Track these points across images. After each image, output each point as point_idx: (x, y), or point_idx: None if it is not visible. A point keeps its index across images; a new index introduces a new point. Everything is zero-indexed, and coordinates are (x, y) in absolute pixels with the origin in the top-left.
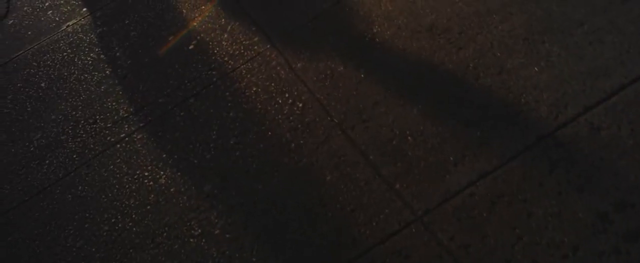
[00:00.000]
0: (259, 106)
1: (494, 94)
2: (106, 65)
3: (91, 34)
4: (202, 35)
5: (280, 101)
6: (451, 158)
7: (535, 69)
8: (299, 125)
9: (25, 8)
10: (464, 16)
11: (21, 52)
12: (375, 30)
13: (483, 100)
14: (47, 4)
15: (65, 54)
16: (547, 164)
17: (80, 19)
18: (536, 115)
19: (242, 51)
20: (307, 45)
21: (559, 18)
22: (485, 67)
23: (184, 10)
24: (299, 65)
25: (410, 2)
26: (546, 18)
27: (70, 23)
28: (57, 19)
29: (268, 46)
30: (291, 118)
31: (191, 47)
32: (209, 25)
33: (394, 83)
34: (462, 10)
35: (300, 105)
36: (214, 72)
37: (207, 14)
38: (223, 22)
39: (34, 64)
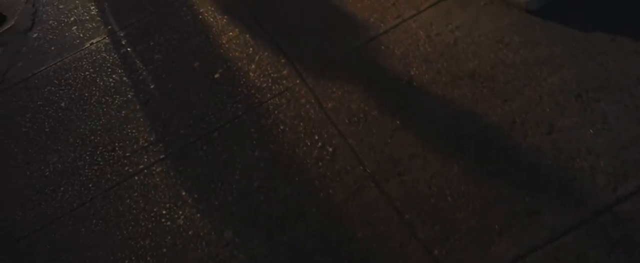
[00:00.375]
0: (286, 147)
1: (543, 155)
2: (128, 88)
3: (114, 54)
4: (228, 63)
5: (309, 143)
6: (496, 226)
7: (590, 131)
8: (329, 172)
9: (50, 22)
10: (510, 64)
11: (43, 68)
12: (412, 73)
13: (531, 161)
14: (72, 19)
15: (87, 73)
16: (605, 244)
17: (105, 37)
18: (592, 184)
19: (270, 84)
20: (339, 83)
21: (616, 74)
22: (534, 124)
23: (211, 36)
24: (330, 104)
25: (451, 45)
26: (601, 73)
27: (94, 41)
28: (81, 35)
29: (298, 81)
30: (320, 163)
31: (217, 75)
32: (236, 53)
33: (433, 133)
34: (507, 58)
35: (331, 149)
36: (239, 105)
37: (234, 41)
38: (251, 51)
39: (56, 81)
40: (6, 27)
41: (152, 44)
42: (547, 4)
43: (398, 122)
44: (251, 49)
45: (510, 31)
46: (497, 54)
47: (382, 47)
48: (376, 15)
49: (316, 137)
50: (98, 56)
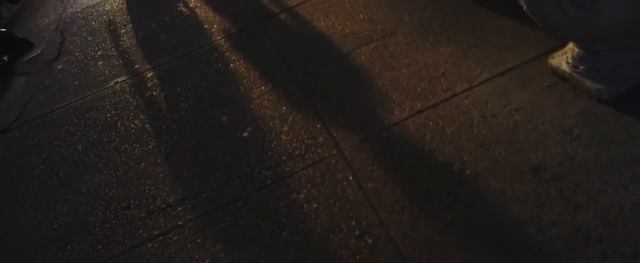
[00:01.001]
0: (319, 230)
1: None
2: (150, 138)
3: (139, 97)
4: (258, 121)
5: (345, 229)
6: None
7: None
8: None
9: (76, 54)
10: (580, 162)
11: (64, 104)
12: (465, 159)
13: None
14: (99, 53)
15: (108, 115)
16: None
17: (130, 77)
18: None
19: (303, 152)
20: (381, 161)
21: None
22: (614, 243)
23: (242, 88)
24: (370, 185)
25: (510, 130)
26: None
27: (119, 79)
28: (106, 72)
29: (334, 152)
30: (358, 256)
31: (245, 134)
32: (268, 111)
33: (489, 238)
34: (577, 154)
35: (370, 241)
36: (268, 172)
37: (267, 96)
38: (284, 110)
39: (75, 120)
40: (32, 55)
41: (179, 90)
42: (622, 93)
43: (449, 218)
44: (284, 107)
45: (580, 121)
46: (564, 147)
47: (431, 123)
48: (423, 85)
49: (353, 223)
50: (121, 97)
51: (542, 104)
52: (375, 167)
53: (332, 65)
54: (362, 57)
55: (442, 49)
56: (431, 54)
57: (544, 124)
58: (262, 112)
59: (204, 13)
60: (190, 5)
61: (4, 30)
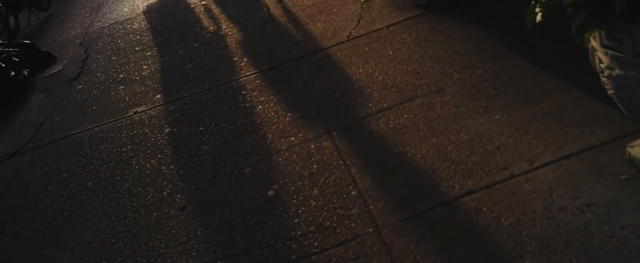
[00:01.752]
0: None
1: None
2: (165, 183)
3: (157, 133)
4: (286, 179)
5: None
6: None
7: None
8: None
9: (98, 74)
10: None
11: (79, 131)
12: (527, 262)
13: None
14: (121, 76)
15: (124, 149)
16: None
17: (151, 108)
18: None
19: (335, 224)
20: (426, 249)
21: None
22: None
23: (270, 136)
24: None
25: (581, 232)
26: None
27: (139, 109)
28: (126, 98)
29: (370, 230)
30: None
31: (270, 192)
32: (297, 167)
33: None
34: None
35: None
36: (293, 245)
37: (297, 150)
38: (315, 169)
39: (88, 151)
40: (54, 71)
41: (201, 129)
42: None
43: None
44: (315, 166)
45: None
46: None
47: (484, 209)
48: (475, 159)
49: None
50: (140, 130)
51: (621, 203)
52: (418, 257)
53: (370, 121)
54: (405, 116)
55: (496, 117)
56: (484, 121)
57: (625, 230)
58: (289, 168)
59: (235, 43)
60: (221, 32)
61: (27, 42)
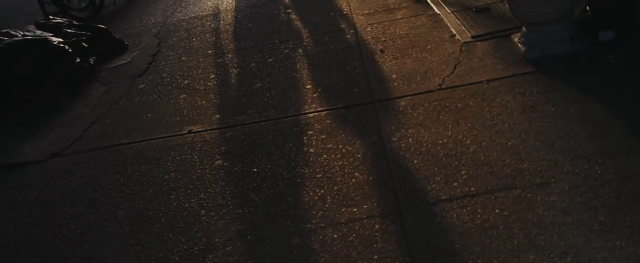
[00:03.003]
0: None
1: None
2: (200, 235)
3: (207, 164)
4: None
5: None
6: None
7: None
8: None
9: (164, 74)
10: None
11: (127, 141)
12: None
13: None
14: (185, 82)
15: (167, 177)
16: None
17: (207, 129)
18: None
19: None
20: None
21: None
22: None
23: (329, 198)
24: None
25: None
26: None
27: (194, 128)
28: (184, 112)
29: None
30: None
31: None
32: (354, 253)
33: None
34: None
35: None
36: None
37: (358, 227)
38: (376, 258)
39: (129, 171)
40: (121, 62)
41: (254, 170)
42: None
43: None
44: (376, 256)
45: None
46: None
47: None
48: None
49: None
50: (188, 156)
51: None
52: None
53: (452, 208)
54: (496, 210)
55: (618, 243)
56: (600, 245)
57: None
58: (345, 251)
59: (312, 67)
60: (300, 51)
61: (102, 27)
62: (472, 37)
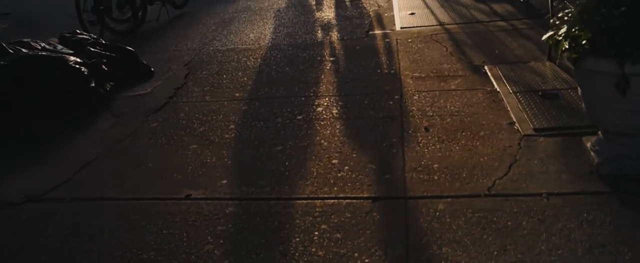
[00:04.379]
0: None
1: None
2: None
3: (194, 248)
4: None
5: None
6: None
7: None
8: None
9: (181, 114)
10: None
11: (115, 196)
12: None
13: None
14: (201, 130)
15: (144, 256)
16: None
17: (208, 198)
18: None
19: None
20: None
21: None
22: None
23: None
24: None
25: None
26: None
27: (194, 194)
28: (189, 168)
29: None
30: None
31: None
32: None
33: None
34: None
35: None
36: None
37: None
38: None
39: (106, 236)
40: (140, 92)
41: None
42: None
43: None
44: None
45: None
46: None
47: None
48: None
49: None
50: (177, 231)
51: None
52: None
53: None
54: None
55: None
56: None
57: None
58: None
59: (344, 135)
60: (334, 111)
61: (129, 49)
62: (535, 129)
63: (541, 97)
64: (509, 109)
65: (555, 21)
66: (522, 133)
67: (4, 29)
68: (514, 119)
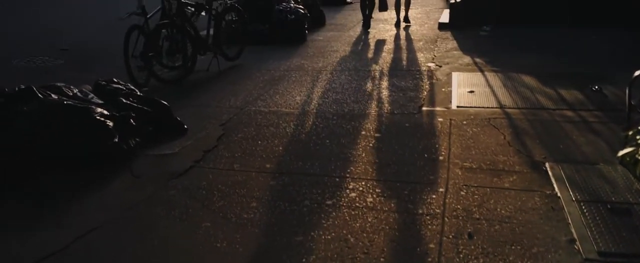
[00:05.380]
0: None
1: None
2: None
3: None
4: None
5: None
6: None
7: None
8: None
9: (203, 183)
10: None
11: None
12: None
13: None
14: (218, 205)
15: None
16: None
17: None
18: None
19: None
20: None
21: None
22: None
23: None
24: None
25: None
26: None
27: None
28: (194, 258)
29: None
30: None
31: None
32: None
33: None
34: None
35: None
36: None
37: None
38: None
39: None
40: (166, 152)
41: None
42: None
43: None
44: None
45: None
46: None
47: None
48: None
49: None
50: None
51: None
52: None
53: None
54: None
55: None
56: None
57: None
58: None
59: (372, 232)
60: (369, 199)
61: (164, 103)
62: (599, 253)
63: (610, 211)
64: (569, 221)
65: (635, 135)
66: (583, 257)
67: (58, 65)
68: (575, 236)
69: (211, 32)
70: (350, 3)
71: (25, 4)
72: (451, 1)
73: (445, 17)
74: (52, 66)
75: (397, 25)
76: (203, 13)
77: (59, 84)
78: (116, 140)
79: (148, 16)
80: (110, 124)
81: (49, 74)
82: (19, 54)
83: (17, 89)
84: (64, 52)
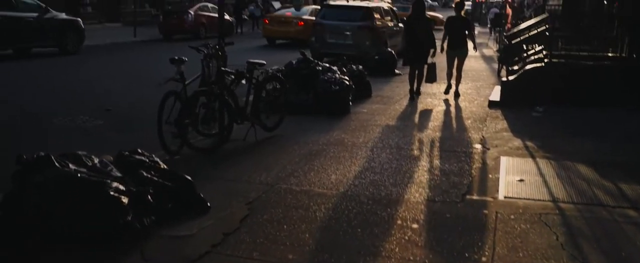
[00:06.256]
0: None
1: None
2: None
3: None
4: None
5: None
6: None
7: None
8: None
9: (242, 246)
10: None
11: None
12: None
13: None
14: None
15: None
16: None
17: None
18: None
19: None
20: None
21: None
22: None
23: None
24: None
25: None
26: None
27: None
28: None
29: None
30: None
31: None
32: None
33: None
34: None
35: None
36: None
37: None
38: None
39: None
40: (182, 233)
41: None
42: None
43: None
44: None
45: None
46: None
47: None
48: None
49: None
50: None
51: None
52: None
53: None
54: None
55: None
56: None
57: None
58: None
59: None
60: None
61: (188, 178)
62: None
63: None
64: None
65: None
66: None
67: (97, 126)
68: None
69: (250, 100)
70: (400, 74)
71: (78, 62)
72: (503, 79)
73: (496, 94)
74: (91, 126)
75: (447, 91)
76: (243, 81)
77: (80, 153)
78: (129, 218)
79: (186, 83)
80: (125, 200)
81: (86, 135)
82: (63, 112)
83: (35, 156)
84: (107, 112)
